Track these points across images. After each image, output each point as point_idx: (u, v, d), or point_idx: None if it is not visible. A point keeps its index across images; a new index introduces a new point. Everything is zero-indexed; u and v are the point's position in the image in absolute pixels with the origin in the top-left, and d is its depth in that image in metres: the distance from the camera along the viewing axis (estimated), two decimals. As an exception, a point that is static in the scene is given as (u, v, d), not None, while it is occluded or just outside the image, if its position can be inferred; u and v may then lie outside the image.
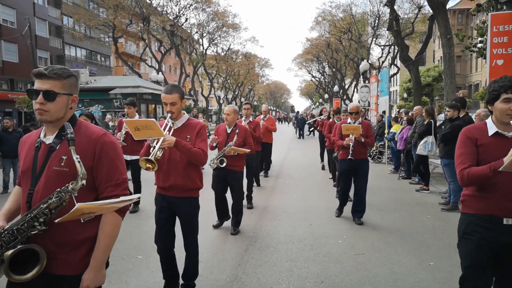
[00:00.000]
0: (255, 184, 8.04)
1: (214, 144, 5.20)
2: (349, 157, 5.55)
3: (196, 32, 34.72)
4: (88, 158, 1.84)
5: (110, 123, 14.20)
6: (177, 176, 3.22)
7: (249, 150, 5.22)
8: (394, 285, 3.72)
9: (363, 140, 5.62)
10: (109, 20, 26.66)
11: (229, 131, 5.30)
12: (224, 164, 5.03)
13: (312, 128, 13.39)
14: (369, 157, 7.69)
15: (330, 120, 8.93)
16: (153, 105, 22.02)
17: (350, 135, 5.57)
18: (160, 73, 28.14)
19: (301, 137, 24.92)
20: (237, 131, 5.17)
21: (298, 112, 45.50)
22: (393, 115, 13.25)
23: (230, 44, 40.04)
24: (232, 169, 5.17)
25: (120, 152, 1.97)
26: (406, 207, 6.70)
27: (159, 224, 3.39)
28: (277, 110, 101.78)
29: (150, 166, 3.01)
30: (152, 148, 3.05)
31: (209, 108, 51.45)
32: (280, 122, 65.55)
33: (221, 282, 3.79)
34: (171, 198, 3.30)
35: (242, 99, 55.38)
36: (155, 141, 3.03)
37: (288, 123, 50.55)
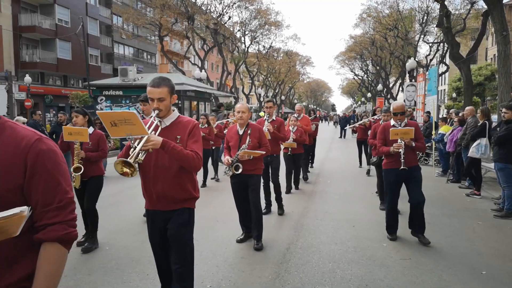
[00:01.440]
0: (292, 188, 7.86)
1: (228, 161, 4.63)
2: (402, 167, 4.64)
3: (239, 30, 35.02)
4: (16, 173, 1.36)
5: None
6: (166, 184, 2.69)
7: (264, 152, 4.65)
8: (443, 293, 3.57)
9: (413, 144, 4.75)
10: (155, 19, 27.49)
11: (240, 132, 4.71)
12: (240, 170, 4.53)
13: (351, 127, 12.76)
14: None
15: (381, 121, 8.11)
16: (196, 102, 22.46)
17: (399, 140, 4.70)
18: (203, 70, 28.67)
19: (343, 136, 24.48)
20: (249, 131, 4.61)
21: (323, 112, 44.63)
22: (440, 116, 12.70)
23: (271, 42, 40.10)
24: (249, 174, 4.64)
25: (63, 163, 1.48)
26: (455, 212, 6.40)
27: (153, 244, 2.92)
28: (318, 108, 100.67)
29: (127, 170, 2.37)
30: (132, 149, 2.44)
31: (250, 105, 51.77)
32: (320, 121, 64.80)
33: (263, 279, 3.82)
34: (162, 213, 2.78)
35: (283, 97, 55.30)
36: (137, 141, 2.45)
37: (329, 122, 49.76)
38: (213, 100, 27.08)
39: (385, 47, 34.32)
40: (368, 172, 10.16)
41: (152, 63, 43.40)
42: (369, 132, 8.66)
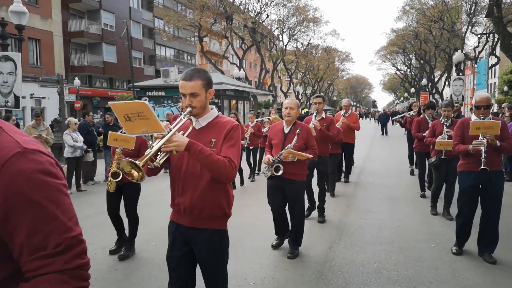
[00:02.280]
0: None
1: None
2: (482, 166, 3.83)
3: (277, 28, 34.93)
4: None
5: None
6: (196, 196, 2.24)
7: (311, 156, 4.16)
8: (498, 297, 3.39)
9: (498, 144, 3.91)
10: (195, 20, 28.03)
11: (286, 130, 4.29)
12: (281, 172, 4.11)
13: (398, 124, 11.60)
14: None
15: (421, 116, 7.21)
16: (235, 101, 22.69)
17: (480, 137, 3.92)
18: (241, 69, 28.91)
19: (384, 133, 23.82)
20: (297, 131, 4.14)
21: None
22: (491, 110, 12.00)
23: (310, 39, 39.61)
24: (290, 178, 4.17)
25: (61, 188, 1.02)
26: (509, 212, 6.03)
27: (171, 265, 2.40)
28: (358, 105, 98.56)
29: (135, 173, 1.96)
30: (149, 149, 2.03)
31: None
32: (361, 118, 63.36)
33: (306, 278, 3.79)
34: (186, 229, 2.32)
35: (322, 94, 54.60)
36: (156, 140, 2.05)
37: (370, 119, 48.50)
38: (252, 98, 27.24)
39: (430, 40, 32.89)
40: (411, 172, 9.51)
41: (192, 63, 44.34)
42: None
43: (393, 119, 14.34)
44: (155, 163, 2.07)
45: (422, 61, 39.18)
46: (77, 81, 25.57)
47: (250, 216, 5.86)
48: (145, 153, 2.00)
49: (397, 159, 12.06)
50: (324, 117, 5.77)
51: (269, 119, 9.85)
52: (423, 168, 7.03)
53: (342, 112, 8.12)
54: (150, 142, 2.07)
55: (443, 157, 5.49)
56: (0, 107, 9.12)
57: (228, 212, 2.35)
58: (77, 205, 4.80)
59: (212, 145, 2.21)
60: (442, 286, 3.57)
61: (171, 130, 2.07)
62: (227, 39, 30.12)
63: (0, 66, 8.83)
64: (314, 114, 5.78)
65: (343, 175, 8.71)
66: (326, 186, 5.90)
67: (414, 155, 9.07)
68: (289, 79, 42.18)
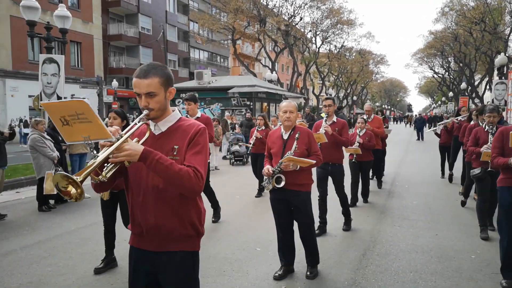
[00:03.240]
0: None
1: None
2: (490, 168, 3.84)
3: (310, 31, 34.75)
4: None
5: (229, 121, 15.12)
6: (161, 214, 1.89)
7: (314, 162, 3.68)
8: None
9: None
10: (229, 24, 28.37)
11: (285, 136, 3.83)
12: (283, 184, 3.66)
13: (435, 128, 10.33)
14: None
15: (472, 122, 6.44)
16: (267, 103, 22.74)
17: None
18: (273, 72, 28.94)
19: (420, 138, 23.12)
20: (296, 135, 3.68)
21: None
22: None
23: (343, 41, 39.16)
24: (294, 190, 3.73)
25: None
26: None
27: None
28: (392, 109, 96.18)
29: (73, 191, 1.59)
30: (92, 159, 1.67)
31: (320, 106, 51.14)
32: (395, 122, 61.78)
33: (339, 284, 3.73)
34: (151, 254, 1.96)
35: (354, 98, 53.74)
36: (103, 148, 1.70)
37: (406, 124, 47.09)
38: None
39: (470, 42, 31.64)
40: (450, 179, 9.00)
41: (225, 66, 44.88)
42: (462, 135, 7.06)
43: (439, 123, 13.64)
44: (100, 177, 1.70)
45: (461, 64, 37.74)
46: (115, 83, 26.50)
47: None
48: (88, 165, 1.63)
49: (434, 165, 11.64)
50: (335, 120, 5.29)
51: (298, 123, 9.53)
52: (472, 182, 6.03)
53: (365, 117, 7.49)
54: (93, 151, 1.69)
55: (489, 169, 4.65)
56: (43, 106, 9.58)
57: (201, 229, 2.01)
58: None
59: (175, 153, 1.88)
60: (483, 300, 3.41)
61: (121, 136, 1.73)
62: (260, 42, 30.27)
63: (45, 68, 9.28)
64: (325, 118, 5.27)
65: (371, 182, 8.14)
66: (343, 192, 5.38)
67: (447, 162, 9.08)
68: (321, 81, 41.80)
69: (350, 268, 4.09)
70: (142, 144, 1.83)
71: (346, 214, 5.45)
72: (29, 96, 18.20)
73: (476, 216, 5.86)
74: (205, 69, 24.43)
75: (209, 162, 5.30)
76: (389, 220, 5.94)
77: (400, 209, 6.66)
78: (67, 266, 4.19)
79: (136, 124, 1.88)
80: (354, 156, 6.49)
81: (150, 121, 1.95)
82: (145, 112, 1.87)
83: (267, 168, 3.75)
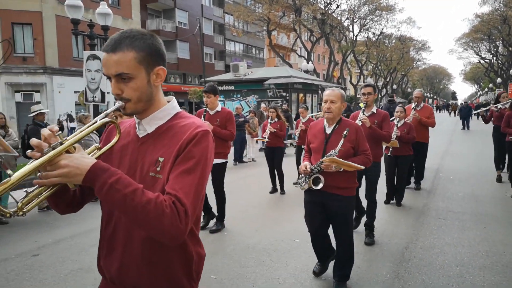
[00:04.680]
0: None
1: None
2: None
3: (347, 19, 33.90)
4: None
5: (265, 112, 15.11)
6: (128, 257, 1.32)
7: (362, 167, 3.15)
8: None
9: None
10: (264, 15, 28.21)
11: (328, 131, 3.30)
12: (321, 186, 3.17)
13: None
14: None
15: None
16: (303, 94, 22.50)
17: None
18: (309, 62, 28.54)
19: (466, 127, 22.05)
20: (345, 132, 3.14)
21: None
22: None
23: (382, 28, 37.90)
24: (335, 193, 3.21)
25: None
26: None
27: None
28: (435, 97, 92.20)
29: None
30: (5, 180, 1.09)
31: (358, 96, 49.99)
32: (438, 111, 59.29)
33: (380, 277, 3.65)
34: None
35: (394, 86, 52.00)
36: (31, 161, 1.13)
37: (450, 112, 44.96)
38: (320, 92, 26.78)
39: (521, 24, 29.64)
40: (499, 179, 7.73)
41: (260, 57, 44.80)
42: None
43: (475, 112, 12.97)
44: (19, 209, 1.12)
45: (510, 48, 35.44)
46: (153, 77, 27.17)
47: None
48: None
49: (481, 155, 11.08)
50: (375, 111, 4.61)
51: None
52: None
53: (413, 105, 6.88)
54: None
55: None
56: (88, 102, 10.01)
57: (190, 286, 1.39)
58: None
59: (158, 168, 1.27)
60: (538, 297, 3.22)
61: (61, 143, 1.14)
62: (296, 32, 29.89)
63: (89, 64, 9.67)
64: (363, 109, 4.57)
65: (412, 180, 7.36)
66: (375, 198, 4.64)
67: (507, 155, 7.59)
68: (359, 71, 40.76)
69: (392, 261, 3.99)
70: (101, 154, 1.30)
71: (370, 226, 4.57)
72: (75, 92, 19.07)
73: (528, 209, 5.55)
74: (241, 61, 24.50)
75: (225, 162, 5.05)
76: (433, 213, 5.73)
77: (444, 201, 6.40)
78: (114, 254, 4.38)
79: (96, 122, 1.26)
80: (390, 149, 5.82)
81: (135, 118, 1.36)
82: (117, 104, 1.28)
83: (305, 165, 3.23)
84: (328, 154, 3.15)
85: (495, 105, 7.82)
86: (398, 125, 5.87)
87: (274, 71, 22.67)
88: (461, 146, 14.33)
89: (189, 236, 1.34)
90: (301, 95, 22.36)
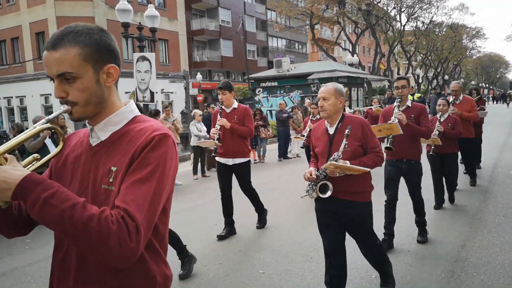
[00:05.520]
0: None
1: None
2: None
3: (394, 8, 32.63)
4: None
5: (309, 108, 14.96)
6: (81, 284, 1.17)
7: (368, 170, 2.77)
8: None
9: None
10: (307, 8, 27.88)
11: (331, 131, 2.93)
12: (329, 193, 2.79)
13: None
14: None
15: None
16: (348, 88, 22.02)
17: None
18: (354, 55, 27.85)
19: (527, 119, 20.52)
20: (346, 131, 2.75)
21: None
22: None
23: (432, 16, 36.12)
24: (347, 200, 2.85)
25: None
26: None
27: None
28: (491, 87, 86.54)
29: None
30: None
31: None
32: (495, 102, 55.55)
33: (435, 276, 3.51)
34: None
35: (446, 77, 49.44)
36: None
37: (508, 103, 41.98)
38: (366, 85, 26.07)
39: None
40: None
41: (303, 52, 44.38)
42: None
43: None
44: None
45: None
46: (199, 76, 27.81)
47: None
48: None
49: (545, 148, 10.28)
50: (410, 105, 4.18)
51: (370, 109, 8.29)
52: None
53: (451, 99, 6.29)
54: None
55: None
56: (138, 101, 10.44)
57: None
58: (203, 189, 5.26)
59: (110, 180, 1.14)
60: None
61: None
62: (340, 25, 29.26)
63: (138, 66, 10.08)
64: (397, 104, 4.12)
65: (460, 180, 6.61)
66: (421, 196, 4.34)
67: None
68: (407, 62, 39.15)
69: (447, 260, 3.82)
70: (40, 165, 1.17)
71: (421, 223, 4.36)
72: (126, 93, 19.96)
73: None
74: (284, 57, 24.41)
75: (247, 161, 4.87)
76: (492, 209, 5.40)
77: (504, 197, 6.01)
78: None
79: (35, 128, 1.13)
80: (432, 147, 5.26)
81: (88, 125, 1.23)
82: (62, 108, 1.15)
83: (310, 171, 2.86)
84: (331, 157, 2.78)
85: None
86: (441, 120, 5.39)
87: (317, 66, 22.38)
88: (522, 138, 13.36)
89: (151, 255, 1.19)
90: (346, 89, 21.90)
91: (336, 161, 2.73)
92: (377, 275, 3.58)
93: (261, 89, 21.54)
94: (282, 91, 20.86)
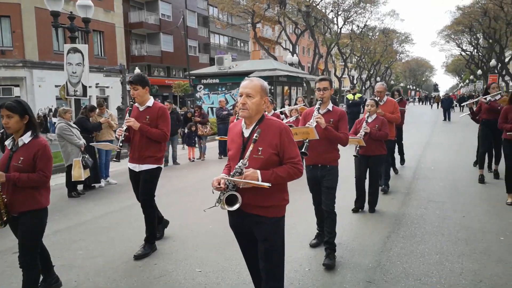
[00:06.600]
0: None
1: None
2: None
3: (331, 11, 33.98)
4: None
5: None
6: None
7: (268, 185, 2.26)
8: None
9: None
10: (248, 7, 28.06)
11: (246, 133, 2.50)
12: (237, 206, 2.36)
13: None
14: None
15: None
16: (288, 87, 22.53)
17: None
18: (294, 55, 28.56)
19: (447, 119, 22.46)
20: (255, 135, 2.34)
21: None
22: None
23: (366, 21, 38.20)
24: (257, 214, 2.45)
25: None
26: None
27: None
28: (418, 89, 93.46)
29: None
30: None
31: (342, 88, 50.31)
32: (421, 103, 60.16)
33: (363, 266, 3.72)
34: None
35: (378, 78, 52.53)
36: None
37: (432, 104, 45.60)
38: (305, 84, 26.87)
39: (501, 17, 30.19)
40: (481, 180, 6.93)
41: (245, 50, 44.62)
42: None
43: (464, 103, 13.16)
44: None
45: (491, 41, 36.14)
46: (137, 71, 26.74)
47: (303, 202, 5.84)
48: None
49: (462, 146, 11.33)
50: (331, 109, 3.91)
51: (298, 107, 8.09)
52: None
53: (376, 99, 6.10)
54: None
55: None
56: (69, 96, 9.83)
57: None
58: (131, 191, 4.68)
59: None
60: (513, 282, 3.33)
61: None
62: (280, 24, 29.84)
63: (70, 58, 9.49)
64: (317, 106, 3.86)
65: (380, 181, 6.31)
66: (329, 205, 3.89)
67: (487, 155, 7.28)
68: (343, 63, 41.02)
69: (375, 251, 4.07)
70: None
71: (330, 243, 3.80)
72: (56, 86, 18.69)
73: (504, 195, 5.72)
74: (226, 54, 24.36)
75: (157, 168, 4.20)
76: (415, 203, 5.85)
77: (425, 191, 6.54)
78: (97, 250, 4.34)
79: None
80: (357, 148, 5.10)
81: None
82: None
83: (218, 180, 2.40)
84: (237, 166, 2.37)
85: (484, 97, 7.08)
86: (369, 120, 5.27)
87: (259, 64, 22.63)
88: (442, 137, 14.61)
89: None
90: (286, 88, 22.39)
91: (241, 170, 2.34)
92: (310, 268, 3.72)
93: (202, 86, 21.30)
94: (223, 88, 20.81)
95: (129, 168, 4.29)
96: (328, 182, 3.83)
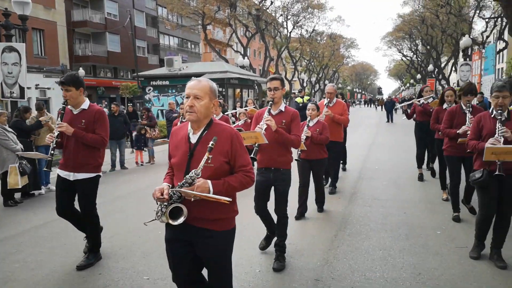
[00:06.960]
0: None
1: None
2: (498, 172, 3.42)
3: (281, 15, 34.60)
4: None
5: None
6: None
7: (228, 199, 2.11)
8: (505, 282, 3.38)
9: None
10: (199, 8, 27.82)
11: (194, 139, 2.29)
12: (181, 220, 2.16)
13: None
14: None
15: (445, 106, 5.68)
16: (239, 90, 22.59)
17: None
18: (245, 57, 28.71)
19: (390, 120, 23.70)
20: (211, 143, 2.14)
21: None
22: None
23: (314, 26, 39.30)
24: (203, 227, 2.25)
25: None
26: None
27: None
28: (363, 92, 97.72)
29: None
30: None
31: (292, 91, 51.39)
32: (366, 105, 63.02)
33: (311, 265, 3.81)
34: None
35: (326, 82, 54.30)
36: None
37: (376, 107, 47.96)
38: (256, 87, 27.11)
39: (436, 25, 32.42)
40: (420, 178, 7.36)
41: (196, 52, 44.16)
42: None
43: (397, 107, 14.07)
44: None
45: (428, 47, 38.73)
46: (81, 71, 25.55)
47: (252, 203, 5.87)
48: None
49: (403, 146, 11.98)
50: (283, 110, 3.81)
51: (245, 110, 8.12)
52: (457, 180, 4.95)
53: (325, 101, 6.33)
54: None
55: (497, 172, 3.48)
56: (5, 98, 9.16)
57: None
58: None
59: None
60: (447, 273, 3.57)
61: None
62: (231, 27, 29.89)
63: (5, 57, 8.85)
64: (268, 107, 3.80)
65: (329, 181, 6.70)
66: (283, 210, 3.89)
67: (427, 156, 7.69)
68: (293, 66, 41.91)
69: (322, 249, 4.19)
70: None
71: (281, 246, 3.80)
72: (-10, 87, 17.32)
73: (440, 192, 6.11)
74: (176, 56, 23.95)
75: (95, 176, 3.88)
76: (360, 201, 6.09)
77: (370, 190, 6.84)
78: (36, 262, 4.07)
79: None
80: (298, 152, 4.99)
81: None
82: None
83: (160, 189, 2.21)
84: (188, 176, 2.15)
85: (417, 99, 7.34)
86: (310, 124, 5.22)
87: (210, 66, 22.52)
88: (385, 137, 15.40)
89: None
90: (237, 90, 22.45)
91: (192, 180, 2.13)
92: (261, 269, 3.75)
93: (152, 88, 20.79)
94: (173, 91, 20.45)
95: (58, 175, 3.87)
96: (281, 186, 3.78)
